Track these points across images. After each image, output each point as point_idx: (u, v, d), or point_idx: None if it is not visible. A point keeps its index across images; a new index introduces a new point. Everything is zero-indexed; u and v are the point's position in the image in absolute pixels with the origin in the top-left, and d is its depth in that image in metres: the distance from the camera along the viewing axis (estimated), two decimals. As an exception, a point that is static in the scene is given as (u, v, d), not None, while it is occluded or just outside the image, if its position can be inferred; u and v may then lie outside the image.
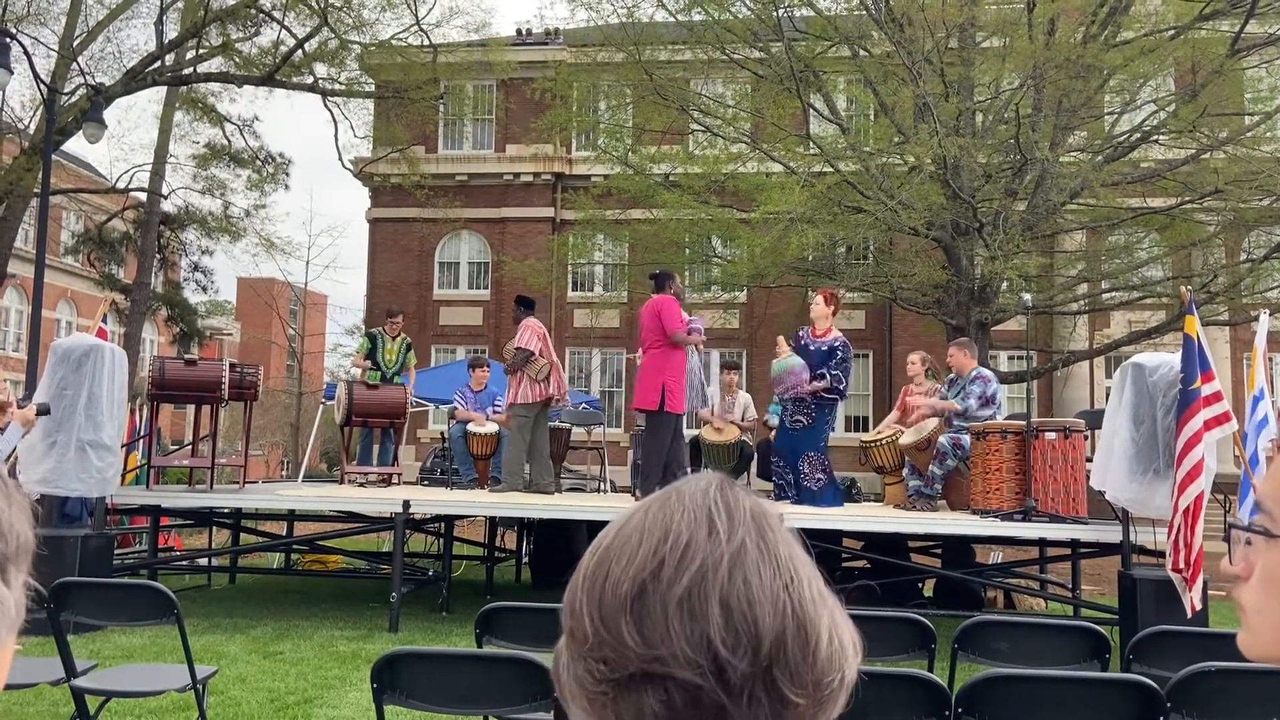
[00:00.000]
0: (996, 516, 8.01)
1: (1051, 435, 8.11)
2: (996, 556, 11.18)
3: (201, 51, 19.40)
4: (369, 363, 11.48)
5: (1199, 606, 6.43)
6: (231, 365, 9.13)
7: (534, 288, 19.56)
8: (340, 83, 20.33)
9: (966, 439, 8.65)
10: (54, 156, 16.76)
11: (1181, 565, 6.41)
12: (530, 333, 9.64)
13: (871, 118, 17.85)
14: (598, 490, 12.66)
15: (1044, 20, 13.94)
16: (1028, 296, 10.44)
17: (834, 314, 8.92)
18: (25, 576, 0.78)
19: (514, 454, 9.60)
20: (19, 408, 5.93)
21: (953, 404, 8.83)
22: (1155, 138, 14.99)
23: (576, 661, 0.70)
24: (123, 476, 9.25)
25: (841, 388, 8.71)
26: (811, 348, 8.74)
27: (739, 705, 0.66)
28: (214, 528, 11.67)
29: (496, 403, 11.12)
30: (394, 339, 11.77)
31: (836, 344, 8.76)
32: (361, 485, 10.95)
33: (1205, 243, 15.99)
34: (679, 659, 0.66)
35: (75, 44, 19.44)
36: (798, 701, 0.67)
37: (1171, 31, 14.32)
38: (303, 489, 10.70)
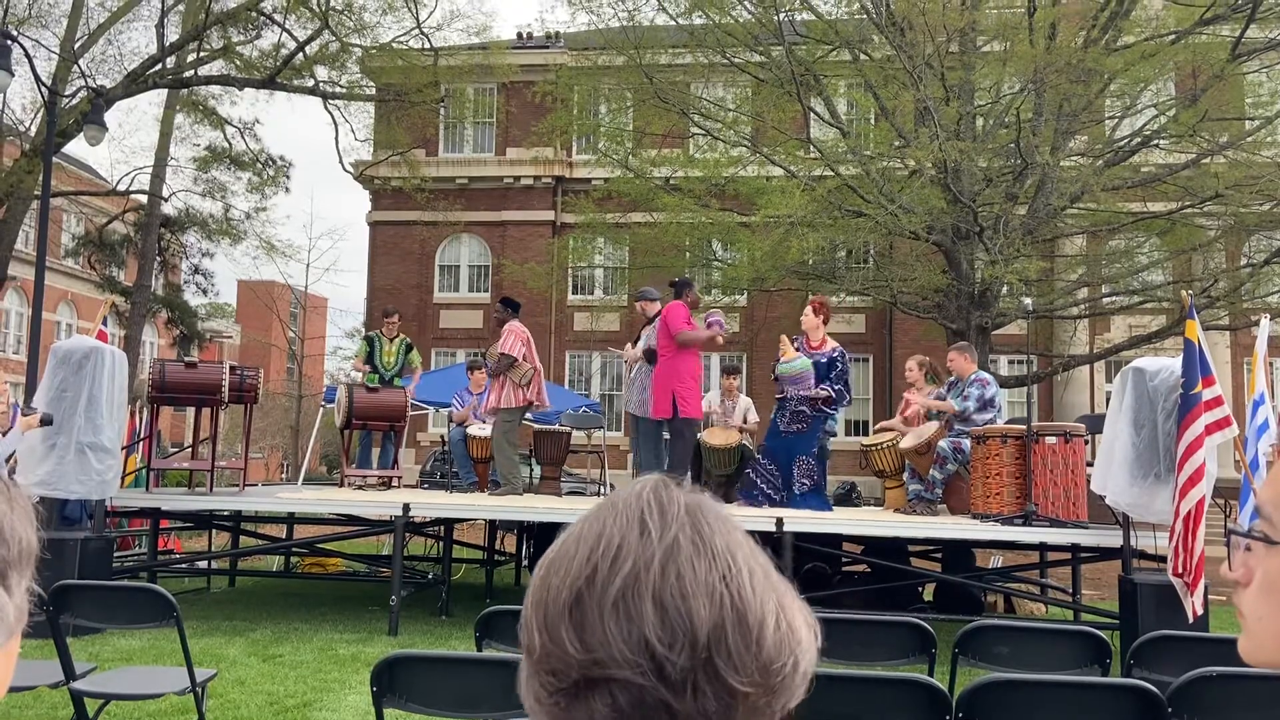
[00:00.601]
0: (997, 521, 8.00)
1: (1052, 440, 8.11)
2: (997, 561, 11.16)
3: (202, 54, 19.42)
4: (368, 367, 11.48)
5: (1200, 611, 6.42)
6: (231, 368, 9.12)
7: (534, 291, 19.56)
8: (341, 86, 20.36)
9: (967, 443, 8.64)
10: (55, 159, 16.78)
11: (1182, 570, 6.40)
12: (514, 337, 9.61)
13: (872, 121, 17.85)
14: (598, 494, 12.64)
15: (1045, 24, 13.95)
16: (1028, 301, 10.42)
17: (825, 323, 8.91)
18: (28, 582, 0.78)
19: (505, 459, 9.58)
20: (23, 414, 5.93)
21: (949, 404, 8.83)
22: (1156, 142, 15.00)
23: (531, 677, 0.71)
24: (122, 479, 9.25)
25: (844, 401, 8.77)
26: (809, 359, 8.75)
27: (683, 699, 0.66)
28: (213, 530, 11.67)
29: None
30: (391, 340, 11.74)
31: (835, 355, 8.76)
32: (361, 488, 10.94)
33: (1206, 247, 16.01)
34: (618, 661, 0.66)
35: (76, 46, 19.46)
36: (746, 690, 0.67)
37: (1172, 36, 14.35)
38: (302, 492, 10.69)
